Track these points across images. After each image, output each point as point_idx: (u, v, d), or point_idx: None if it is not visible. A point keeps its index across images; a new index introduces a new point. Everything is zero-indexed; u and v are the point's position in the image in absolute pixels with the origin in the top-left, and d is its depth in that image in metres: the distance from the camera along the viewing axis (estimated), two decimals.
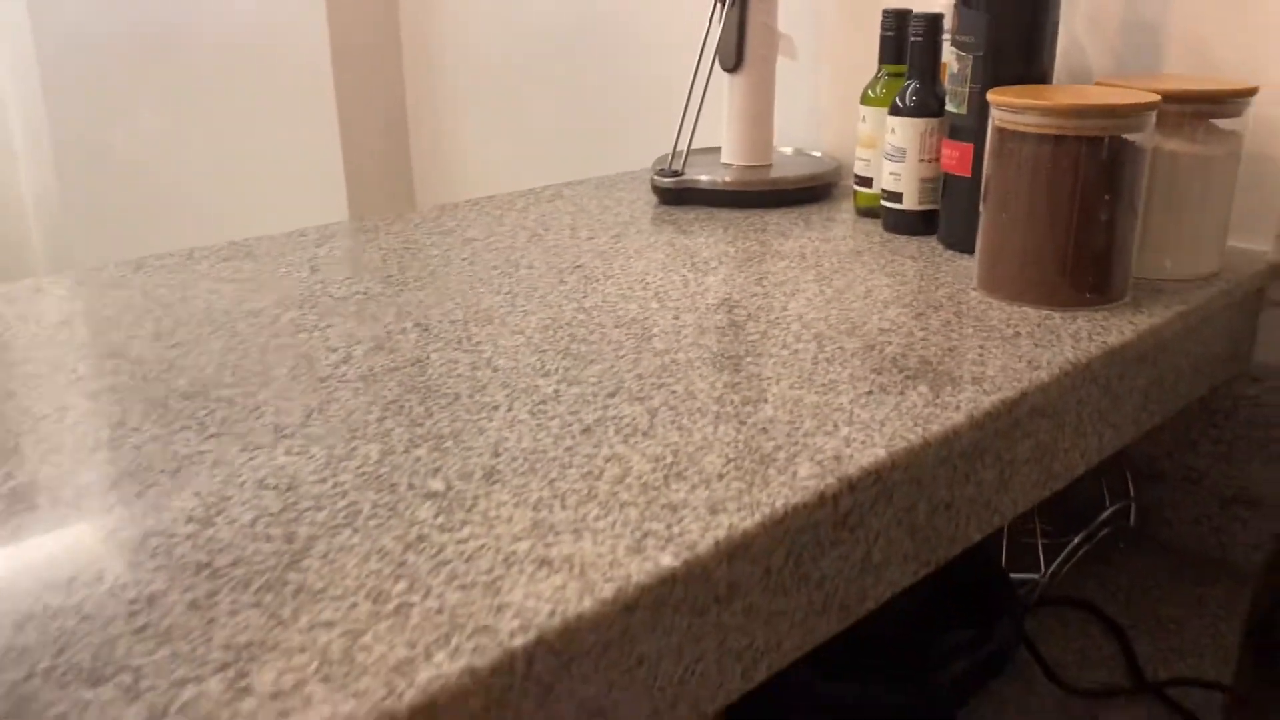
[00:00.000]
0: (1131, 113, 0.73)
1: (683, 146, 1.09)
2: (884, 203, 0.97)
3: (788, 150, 1.20)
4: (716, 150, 1.15)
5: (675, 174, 1.08)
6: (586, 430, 0.57)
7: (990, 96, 0.76)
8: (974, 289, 0.80)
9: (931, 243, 0.93)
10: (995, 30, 0.84)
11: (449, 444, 0.55)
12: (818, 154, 1.18)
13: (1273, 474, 0.92)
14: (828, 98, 1.19)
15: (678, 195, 1.08)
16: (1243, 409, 0.93)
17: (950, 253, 0.90)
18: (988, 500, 0.63)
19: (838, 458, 0.54)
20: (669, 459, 0.54)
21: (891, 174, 0.95)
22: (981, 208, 0.79)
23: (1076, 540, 0.95)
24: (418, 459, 0.54)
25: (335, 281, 0.83)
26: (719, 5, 1.08)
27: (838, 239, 0.95)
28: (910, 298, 0.78)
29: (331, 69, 1.65)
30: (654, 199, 1.10)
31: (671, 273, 0.85)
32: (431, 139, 1.72)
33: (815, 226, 1.00)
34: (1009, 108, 0.74)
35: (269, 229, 0.99)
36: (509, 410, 0.59)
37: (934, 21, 0.92)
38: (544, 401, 0.60)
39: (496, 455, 0.54)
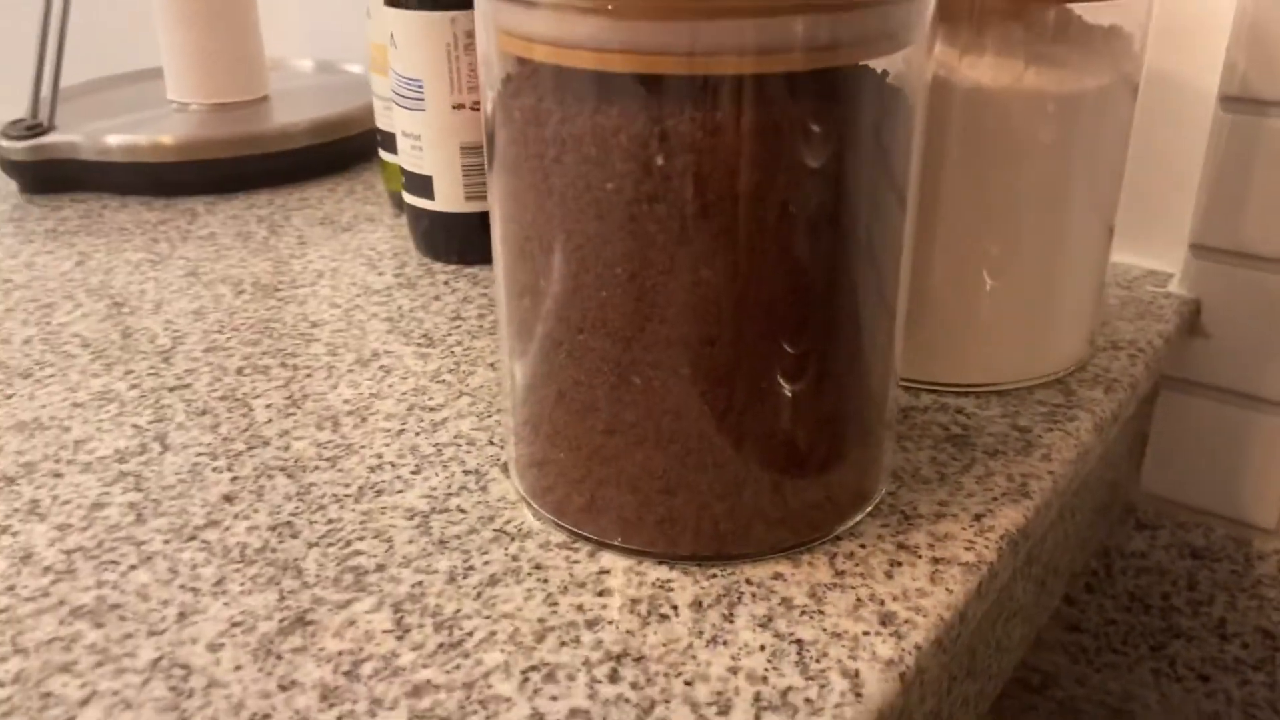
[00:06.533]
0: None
1: (50, 80, 0.54)
2: (406, 196, 0.46)
3: (308, 66, 0.67)
4: (159, 77, 0.61)
5: (35, 131, 0.54)
6: None
7: None
8: (523, 500, 0.30)
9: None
10: None
11: None
12: (359, 70, 0.66)
13: (1169, 687, 0.48)
14: None
15: (48, 175, 0.54)
16: (1121, 576, 0.48)
17: None
18: None
19: None
20: None
21: (408, 136, 0.44)
22: (498, 279, 0.29)
23: None
24: None
25: None
26: None
27: (353, 277, 0.44)
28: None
29: None
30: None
31: None
32: None
33: (328, 237, 0.48)
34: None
35: None
36: None
37: None
38: None
39: None
